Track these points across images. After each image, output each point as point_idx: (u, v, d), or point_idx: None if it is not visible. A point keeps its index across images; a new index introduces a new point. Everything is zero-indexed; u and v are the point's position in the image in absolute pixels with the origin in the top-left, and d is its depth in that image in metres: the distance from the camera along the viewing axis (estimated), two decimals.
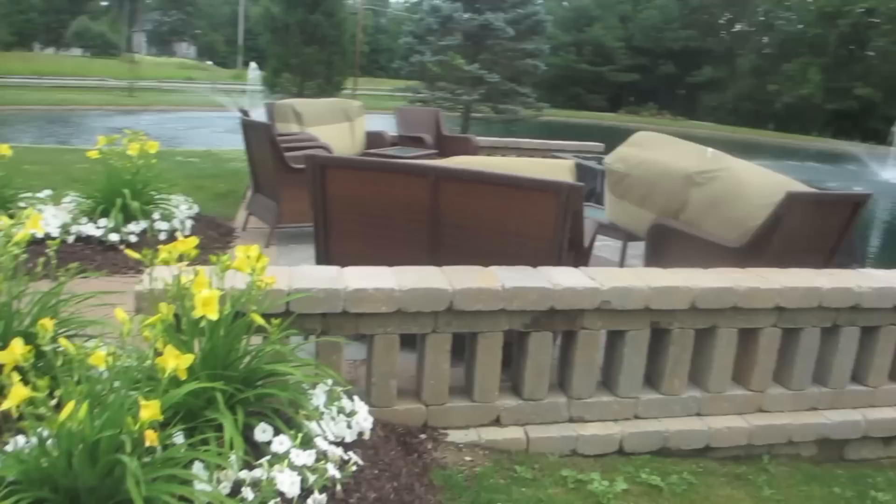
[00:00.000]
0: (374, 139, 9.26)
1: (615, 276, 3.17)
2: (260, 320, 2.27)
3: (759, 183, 4.10)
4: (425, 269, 3.11)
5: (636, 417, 3.20)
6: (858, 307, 3.31)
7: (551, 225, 3.41)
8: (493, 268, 3.17)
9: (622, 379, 3.17)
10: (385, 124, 18.91)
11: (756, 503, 2.83)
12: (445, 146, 9.44)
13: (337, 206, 3.63)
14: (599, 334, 3.13)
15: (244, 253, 2.38)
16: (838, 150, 32.16)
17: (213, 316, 2.08)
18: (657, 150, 4.57)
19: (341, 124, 8.95)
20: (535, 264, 3.46)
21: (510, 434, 3.03)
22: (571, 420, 3.14)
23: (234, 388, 2.19)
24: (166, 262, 2.32)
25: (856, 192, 4.11)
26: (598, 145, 10.83)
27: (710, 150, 4.42)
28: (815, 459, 3.36)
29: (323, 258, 3.76)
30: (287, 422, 2.25)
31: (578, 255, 3.75)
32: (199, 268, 2.28)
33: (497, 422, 3.07)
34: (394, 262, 3.50)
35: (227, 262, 2.31)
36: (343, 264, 3.45)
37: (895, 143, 25.36)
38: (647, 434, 3.13)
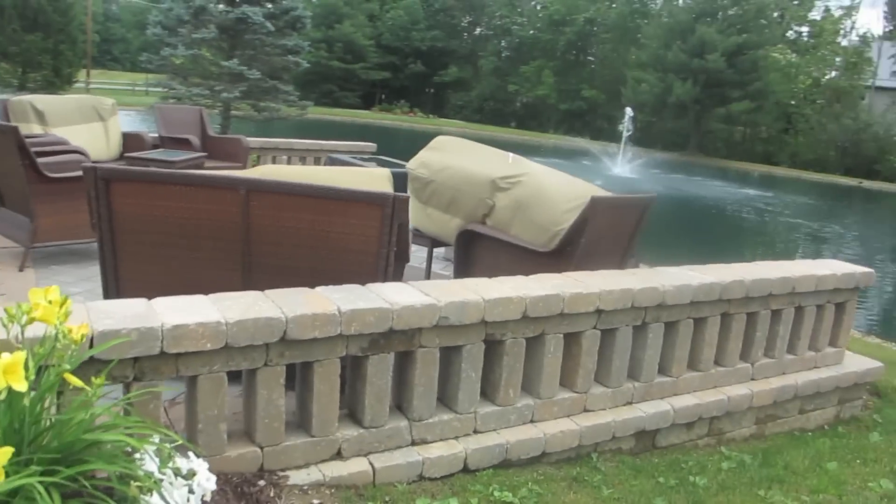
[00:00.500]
0: (132, 141, 8.39)
1: (449, 290, 3.07)
2: (78, 382, 1.85)
3: (560, 188, 4.26)
4: (247, 295, 2.79)
5: (476, 432, 3.15)
6: (663, 304, 3.53)
7: (376, 238, 3.24)
8: (320, 289, 2.93)
9: (461, 395, 3.09)
10: (132, 123, 17.34)
11: None
12: (213, 148, 8.84)
13: (127, 226, 3.15)
14: (437, 351, 3.03)
15: (43, 298, 1.94)
16: (576, 147, 35.41)
17: (22, 386, 1.64)
18: (459, 154, 4.58)
19: (92, 124, 8.00)
20: (358, 281, 3.27)
21: (354, 467, 2.81)
22: (414, 443, 3.00)
23: (44, 467, 1.76)
24: None
25: (646, 195, 4.41)
26: (370, 145, 10.80)
27: (512, 154, 4.52)
28: (633, 451, 3.55)
29: (112, 287, 3.25)
30: (117, 499, 1.86)
31: (399, 268, 3.62)
32: None
33: (339, 455, 2.84)
34: (199, 286, 3.12)
35: (29, 312, 1.86)
36: (137, 292, 3.02)
37: (623, 141, 28.42)
38: (489, 448, 3.09)
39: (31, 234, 4.96)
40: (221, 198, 3.10)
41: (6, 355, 1.66)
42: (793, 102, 47.46)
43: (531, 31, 57.45)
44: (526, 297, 3.10)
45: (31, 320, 1.86)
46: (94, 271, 4.97)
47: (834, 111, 47.98)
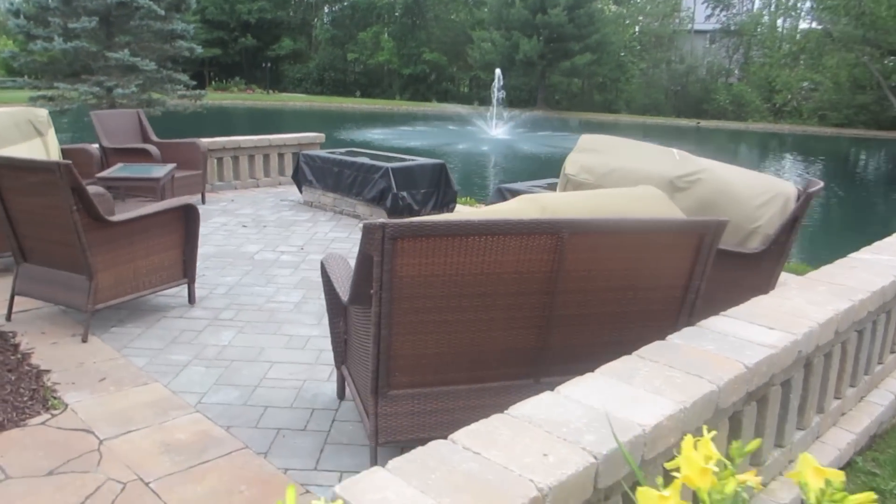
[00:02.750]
0: (75, 157, 7.08)
1: (786, 321, 2.67)
2: None
3: (746, 182, 3.92)
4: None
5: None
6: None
7: (688, 269, 2.76)
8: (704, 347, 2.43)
9: (787, 427, 2.73)
10: None
11: None
12: (168, 155, 7.70)
13: (405, 291, 2.45)
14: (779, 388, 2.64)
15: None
16: (447, 113, 35.16)
17: None
18: (619, 154, 4.10)
19: (33, 141, 6.65)
20: (662, 319, 2.80)
21: None
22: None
23: None
24: None
25: (816, 184, 4.14)
26: (318, 136, 9.93)
27: (676, 150, 4.11)
28: None
29: (383, 369, 2.55)
30: None
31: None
32: None
33: None
34: (482, 353, 2.60)
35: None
36: (409, 371, 2.44)
37: (494, 103, 28.46)
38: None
39: (93, 296, 3.94)
40: (534, 245, 2.48)
41: None
42: (622, 54, 49.86)
43: None
44: (838, 314, 2.78)
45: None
46: (167, 327, 4.09)
47: (659, 57, 51.03)
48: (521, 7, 40.36)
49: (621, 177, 3.97)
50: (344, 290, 2.79)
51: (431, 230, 2.37)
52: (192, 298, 4.57)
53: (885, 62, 32.54)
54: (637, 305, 2.77)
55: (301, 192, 8.20)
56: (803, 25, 46.03)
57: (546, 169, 19.35)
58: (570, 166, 4.05)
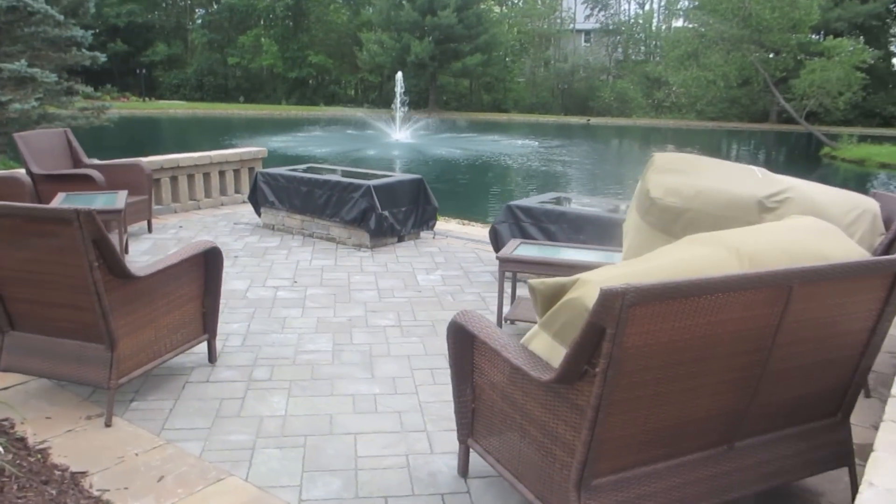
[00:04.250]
0: (6, 187, 6.18)
1: None
2: None
3: (834, 199, 3.71)
4: None
5: None
6: None
7: (878, 311, 2.48)
8: None
9: None
10: None
11: None
12: (110, 179, 6.86)
13: (627, 365, 2.03)
14: None
15: None
16: (339, 118, 34.26)
17: None
18: (700, 174, 3.80)
19: None
20: (844, 365, 2.53)
21: None
22: None
23: None
24: None
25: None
26: (260, 150, 9.22)
27: (757, 168, 3.86)
28: None
29: (592, 454, 2.12)
30: None
31: None
32: None
33: None
34: (689, 423, 2.24)
35: None
36: (615, 453, 2.13)
37: (397, 107, 27.95)
38: None
39: (116, 369, 3.24)
40: (761, 299, 2.12)
41: None
42: (507, 58, 50.59)
43: None
44: None
45: None
46: (198, 395, 3.46)
47: (542, 56, 52.18)
48: (409, 9, 40.08)
49: (709, 199, 3.68)
50: (521, 359, 2.33)
51: (674, 292, 1.96)
52: (212, 356, 3.93)
53: (772, 59, 34.61)
54: (829, 353, 2.47)
55: (259, 214, 7.51)
56: (676, 24, 48.27)
57: (475, 171, 19.06)
58: (655, 189, 3.71)
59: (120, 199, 5.77)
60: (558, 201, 5.85)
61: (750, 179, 3.79)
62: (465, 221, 9.13)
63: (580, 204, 6.00)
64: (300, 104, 50.14)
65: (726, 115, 41.94)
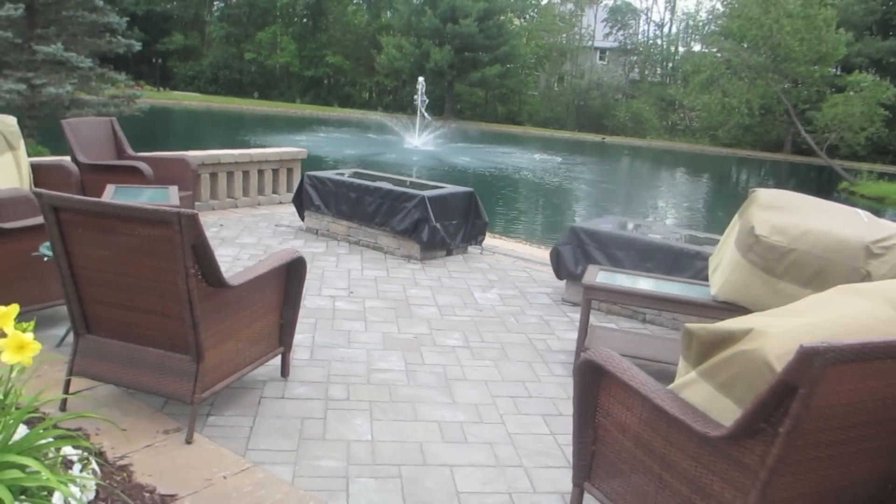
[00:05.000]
0: (51, 176, 6.03)
1: None
2: None
3: None
4: None
5: None
6: None
7: None
8: None
9: None
10: None
11: None
12: (156, 172, 6.69)
13: (811, 424, 1.89)
14: None
15: None
16: (363, 120, 34.09)
17: None
18: (806, 213, 3.66)
19: (5, 156, 5.62)
20: None
21: None
22: None
23: None
24: None
25: None
26: (300, 150, 9.09)
27: (862, 211, 3.74)
28: None
29: None
30: None
31: None
32: None
33: None
34: (848, 488, 2.11)
35: None
36: None
37: (418, 113, 27.83)
38: None
39: (200, 382, 3.09)
40: None
41: None
42: (525, 66, 50.57)
43: None
44: None
45: None
46: (277, 413, 3.26)
47: (561, 72, 52.19)
48: (431, 15, 40.03)
49: (815, 240, 3.55)
50: (677, 409, 2.18)
51: (872, 353, 1.82)
52: (286, 370, 3.78)
53: (795, 89, 34.66)
54: None
55: (302, 217, 7.37)
56: (695, 48, 48.30)
57: (504, 184, 18.80)
58: (760, 226, 3.58)
59: (173, 194, 5.62)
60: (623, 226, 5.72)
61: (856, 222, 3.66)
62: (512, 238, 9.01)
63: (642, 231, 5.86)
64: (314, 103, 50.06)
65: (740, 143, 41.86)
